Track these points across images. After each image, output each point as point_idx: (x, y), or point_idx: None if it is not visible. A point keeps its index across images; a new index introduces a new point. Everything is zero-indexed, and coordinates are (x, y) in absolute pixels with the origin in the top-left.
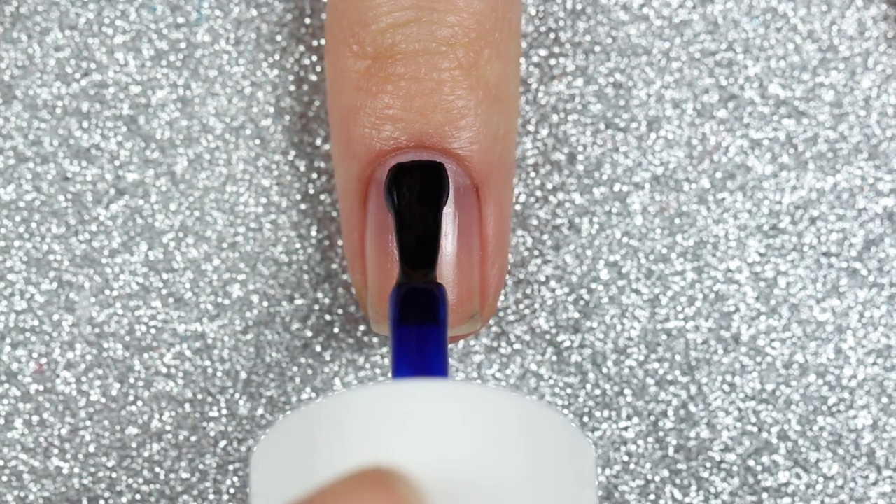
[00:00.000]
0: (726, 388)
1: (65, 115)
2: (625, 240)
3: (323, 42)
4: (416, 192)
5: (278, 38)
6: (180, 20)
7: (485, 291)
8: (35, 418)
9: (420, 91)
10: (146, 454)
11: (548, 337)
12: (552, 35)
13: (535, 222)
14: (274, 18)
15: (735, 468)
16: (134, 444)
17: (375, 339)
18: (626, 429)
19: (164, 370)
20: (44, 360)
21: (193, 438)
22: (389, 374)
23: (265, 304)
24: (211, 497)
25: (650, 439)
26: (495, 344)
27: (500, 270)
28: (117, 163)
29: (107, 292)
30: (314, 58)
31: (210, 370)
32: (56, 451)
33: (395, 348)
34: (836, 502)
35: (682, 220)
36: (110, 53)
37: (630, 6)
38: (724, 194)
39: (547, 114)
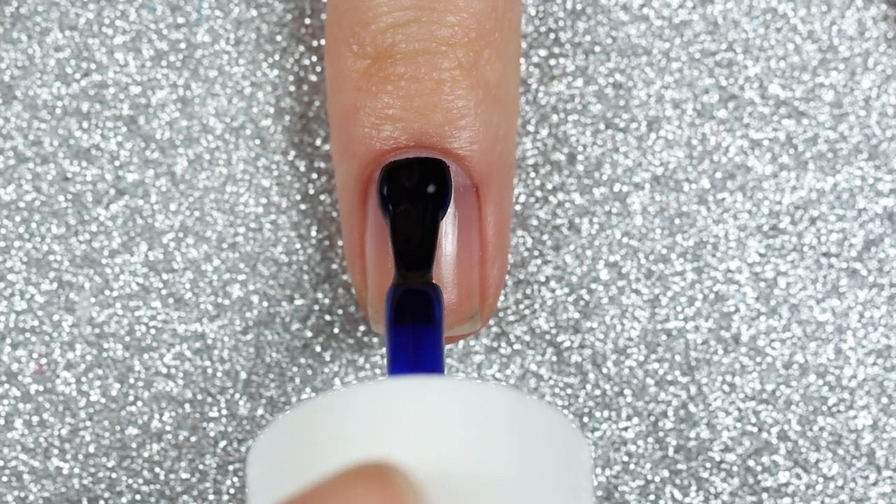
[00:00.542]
0: (726, 388)
1: (65, 115)
2: (625, 240)
3: (323, 42)
4: (414, 192)
5: (278, 38)
6: (180, 20)
7: (485, 291)
8: (35, 419)
9: (420, 91)
10: (146, 454)
11: (548, 337)
12: (552, 35)
13: (535, 222)
14: (274, 19)
15: (735, 468)
16: (134, 445)
17: (375, 340)
18: (626, 429)
19: (164, 370)
20: (44, 361)
21: (193, 439)
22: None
23: (265, 304)
24: (211, 497)
25: (650, 439)
26: (495, 344)
27: (500, 270)
28: (117, 163)
29: (107, 293)
30: (314, 58)
31: (210, 370)
32: (56, 451)
33: (391, 349)
34: (836, 502)
35: (682, 221)
36: (110, 54)
37: (630, 6)
38: (724, 194)
39: (547, 114)
